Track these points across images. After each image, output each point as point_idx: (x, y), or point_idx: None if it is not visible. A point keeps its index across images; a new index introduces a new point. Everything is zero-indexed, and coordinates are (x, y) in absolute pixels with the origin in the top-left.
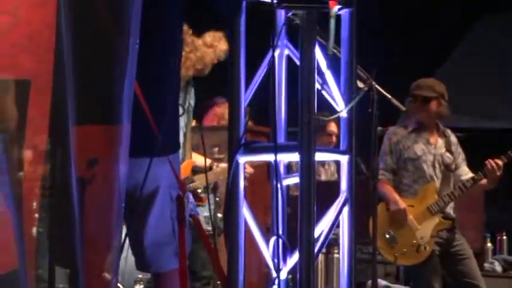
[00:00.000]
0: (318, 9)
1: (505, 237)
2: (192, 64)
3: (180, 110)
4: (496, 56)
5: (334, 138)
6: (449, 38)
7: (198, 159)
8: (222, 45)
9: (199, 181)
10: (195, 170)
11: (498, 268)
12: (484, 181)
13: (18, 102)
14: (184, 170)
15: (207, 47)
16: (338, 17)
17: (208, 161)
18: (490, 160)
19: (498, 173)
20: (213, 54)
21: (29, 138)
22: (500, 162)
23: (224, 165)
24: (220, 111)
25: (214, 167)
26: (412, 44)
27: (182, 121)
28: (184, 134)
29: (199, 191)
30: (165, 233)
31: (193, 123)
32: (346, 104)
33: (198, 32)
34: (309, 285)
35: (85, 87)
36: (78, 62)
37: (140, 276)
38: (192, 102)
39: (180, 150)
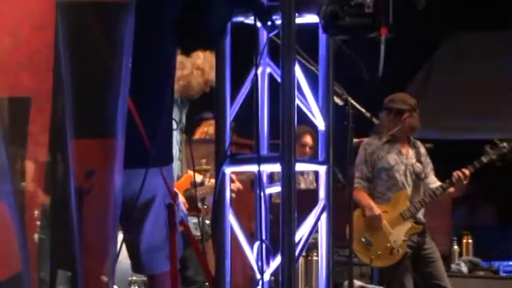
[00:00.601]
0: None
1: (470, 241)
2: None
3: (174, 125)
4: (461, 72)
5: (308, 149)
6: (419, 54)
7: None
8: (212, 73)
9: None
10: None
11: (464, 269)
12: (451, 189)
13: (19, 118)
14: (184, 182)
15: (195, 69)
16: (316, 37)
17: (201, 177)
18: (458, 171)
19: (465, 182)
20: (201, 77)
21: (30, 151)
22: (467, 172)
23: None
24: (207, 127)
25: (206, 181)
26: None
27: (178, 136)
28: (180, 149)
29: (199, 204)
30: (160, 238)
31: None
32: (324, 118)
33: (186, 52)
34: (290, 286)
35: (82, 103)
36: (75, 80)
37: (135, 278)
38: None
39: (177, 163)
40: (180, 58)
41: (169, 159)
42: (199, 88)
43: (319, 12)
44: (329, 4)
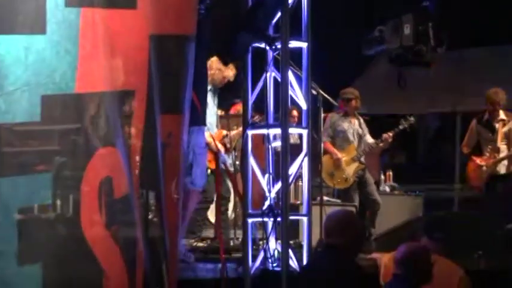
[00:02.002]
0: None
1: (390, 173)
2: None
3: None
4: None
5: (295, 119)
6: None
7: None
8: (228, 71)
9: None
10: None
11: (387, 190)
12: (381, 144)
13: (128, 101)
14: (219, 134)
15: (217, 70)
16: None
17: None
18: (385, 133)
19: (390, 140)
20: (220, 74)
21: (134, 121)
22: (391, 134)
23: (237, 130)
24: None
25: (233, 132)
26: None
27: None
28: (217, 119)
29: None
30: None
31: (219, 112)
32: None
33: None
34: (286, 199)
35: (165, 93)
36: (160, 80)
37: None
38: (217, 102)
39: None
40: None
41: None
42: (220, 81)
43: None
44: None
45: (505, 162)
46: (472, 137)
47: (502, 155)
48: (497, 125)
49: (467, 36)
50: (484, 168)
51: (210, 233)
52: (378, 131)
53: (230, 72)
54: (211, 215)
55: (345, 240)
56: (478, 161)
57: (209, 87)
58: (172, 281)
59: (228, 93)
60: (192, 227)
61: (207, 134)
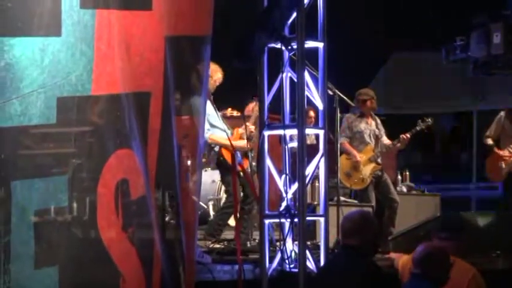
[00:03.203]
0: None
1: (407, 173)
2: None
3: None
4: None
5: (312, 120)
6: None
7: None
8: (217, 74)
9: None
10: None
11: (404, 189)
12: (398, 145)
13: (144, 103)
14: (236, 135)
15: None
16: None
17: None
18: (403, 134)
19: (406, 141)
20: (212, 81)
21: (151, 123)
22: (408, 135)
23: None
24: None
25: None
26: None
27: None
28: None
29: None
30: None
31: (229, 110)
32: (322, 102)
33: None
34: (303, 200)
35: (181, 95)
36: (176, 81)
37: (211, 197)
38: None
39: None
40: None
41: None
42: (212, 87)
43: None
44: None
45: None
46: (498, 128)
47: None
48: None
49: None
50: (504, 165)
51: (229, 235)
52: (394, 131)
53: (219, 74)
54: (231, 220)
55: (362, 241)
56: (501, 152)
57: None
58: (189, 283)
59: (242, 93)
60: (211, 230)
61: (217, 137)
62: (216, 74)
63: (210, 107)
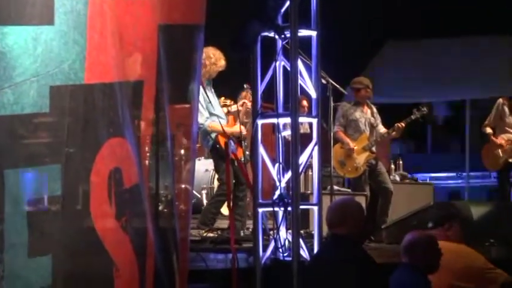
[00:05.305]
0: None
1: (401, 162)
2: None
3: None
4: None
5: (305, 109)
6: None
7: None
8: (221, 61)
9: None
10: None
11: (398, 178)
12: (393, 133)
13: (137, 92)
14: (232, 122)
15: (211, 65)
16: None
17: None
18: (398, 123)
19: (402, 130)
20: (215, 67)
21: (144, 113)
22: (403, 124)
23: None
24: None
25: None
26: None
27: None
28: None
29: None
30: None
31: (222, 99)
32: (315, 90)
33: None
34: (296, 190)
35: (173, 83)
36: (169, 70)
37: (205, 186)
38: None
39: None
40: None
41: None
42: (215, 73)
43: None
44: None
45: None
46: (497, 116)
47: None
48: None
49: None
50: (501, 153)
51: (223, 223)
52: (389, 120)
53: (222, 61)
54: (224, 209)
55: (348, 230)
56: (499, 141)
57: (206, 82)
58: (183, 272)
59: (235, 82)
60: (204, 219)
61: (217, 125)
62: (220, 61)
63: (210, 95)
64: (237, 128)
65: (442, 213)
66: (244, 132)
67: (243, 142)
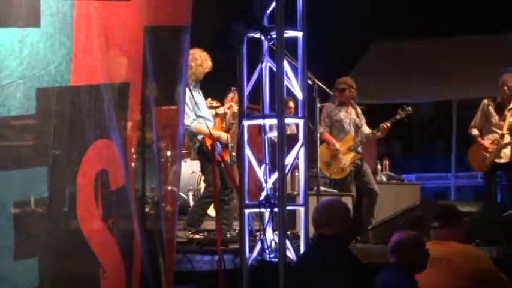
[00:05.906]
0: None
1: (387, 162)
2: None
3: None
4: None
5: (292, 110)
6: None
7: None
8: (207, 62)
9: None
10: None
11: (384, 178)
12: (378, 134)
13: (124, 94)
14: (219, 124)
15: (197, 66)
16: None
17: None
18: (383, 123)
19: (386, 130)
20: (201, 69)
21: (130, 114)
22: (388, 124)
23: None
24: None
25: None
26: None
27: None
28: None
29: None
30: None
31: (209, 100)
32: (302, 91)
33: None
34: (283, 190)
35: (160, 85)
36: (155, 71)
37: (191, 187)
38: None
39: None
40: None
41: None
42: (202, 74)
43: None
44: None
45: (507, 151)
46: (482, 117)
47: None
48: (507, 113)
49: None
50: (488, 154)
51: (210, 225)
52: (374, 120)
53: (209, 62)
54: (211, 210)
55: (334, 229)
56: (485, 142)
57: (193, 84)
58: (169, 273)
59: (222, 83)
60: (191, 220)
61: (203, 126)
62: (206, 62)
63: (198, 96)
64: (223, 135)
65: (448, 212)
66: (229, 137)
67: (229, 143)
